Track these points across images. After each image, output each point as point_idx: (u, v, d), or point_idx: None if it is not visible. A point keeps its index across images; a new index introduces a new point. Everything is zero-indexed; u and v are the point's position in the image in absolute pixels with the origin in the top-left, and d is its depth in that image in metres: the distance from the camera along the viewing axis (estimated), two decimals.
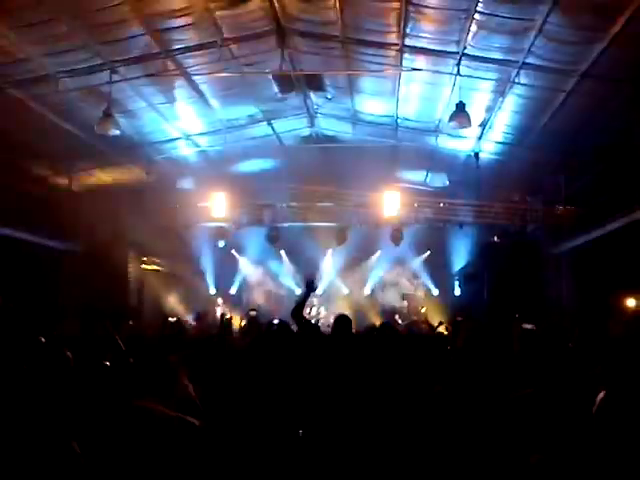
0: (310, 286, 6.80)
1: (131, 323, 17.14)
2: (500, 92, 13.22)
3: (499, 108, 13.95)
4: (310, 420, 4.45)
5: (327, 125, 18.14)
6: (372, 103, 15.73)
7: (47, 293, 16.03)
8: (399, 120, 16.15)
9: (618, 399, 3.03)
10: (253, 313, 16.37)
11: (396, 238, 19.14)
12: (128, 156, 17.20)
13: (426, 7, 10.82)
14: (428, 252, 21.89)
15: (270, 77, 14.56)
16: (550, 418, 3.91)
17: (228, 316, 14.07)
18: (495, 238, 18.75)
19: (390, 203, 18.08)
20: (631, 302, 13.97)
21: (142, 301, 19.92)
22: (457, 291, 21.35)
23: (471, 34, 11.19)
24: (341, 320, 6.60)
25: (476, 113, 13.48)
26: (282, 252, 22.06)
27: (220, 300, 20.77)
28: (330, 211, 19.45)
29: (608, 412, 3.08)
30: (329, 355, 6.20)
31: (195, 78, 13.95)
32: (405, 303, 21.10)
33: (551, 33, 10.51)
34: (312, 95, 16.01)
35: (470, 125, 12.93)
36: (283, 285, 22.87)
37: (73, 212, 17.53)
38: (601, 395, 3.15)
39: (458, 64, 12.22)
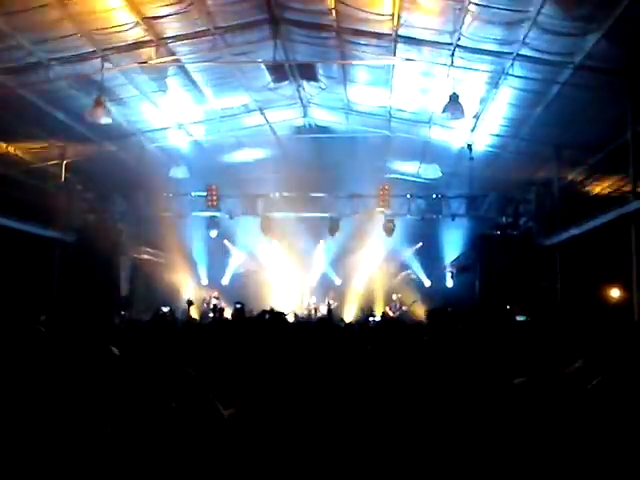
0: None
1: (123, 313, 17.16)
2: (494, 84, 13.19)
3: (493, 100, 13.92)
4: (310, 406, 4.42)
5: (320, 115, 18.10)
6: (365, 93, 15.67)
7: (40, 282, 15.94)
8: (392, 111, 16.11)
9: (611, 385, 3.03)
10: (238, 306, 16.37)
11: (388, 229, 19.17)
12: (120, 145, 17.11)
13: None
14: (420, 243, 21.91)
15: (263, 66, 14.48)
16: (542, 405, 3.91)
17: (220, 306, 14.10)
18: (488, 230, 18.78)
19: (383, 194, 18.13)
20: (622, 293, 14.04)
21: (134, 291, 19.86)
22: (449, 283, 21.37)
23: (465, 25, 11.16)
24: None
25: (470, 105, 13.45)
26: (275, 242, 22.02)
27: (216, 293, 20.73)
28: (323, 201, 19.45)
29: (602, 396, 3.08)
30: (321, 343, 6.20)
31: (188, 67, 13.89)
32: (394, 296, 21.11)
33: (545, 24, 10.49)
34: (305, 85, 15.94)
35: (463, 116, 12.93)
36: (275, 275, 22.84)
37: (65, 201, 17.46)
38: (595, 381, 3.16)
39: (452, 55, 12.19)
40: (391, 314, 19.65)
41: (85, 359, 4.73)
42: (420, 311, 18.56)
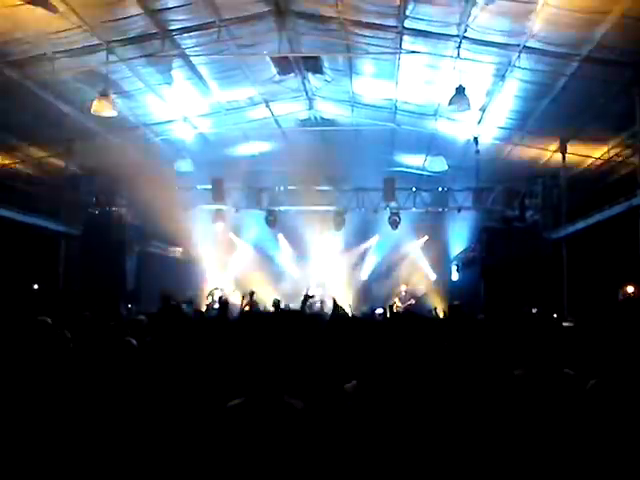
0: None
1: (130, 306, 17.16)
2: (500, 76, 13.12)
3: (499, 92, 13.85)
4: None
5: (326, 108, 18.04)
6: (371, 86, 15.61)
7: (46, 276, 15.97)
8: (398, 103, 16.06)
9: (609, 386, 3.00)
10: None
11: (394, 222, 19.13)
12: (125, 138, 17.10)
13: None
14: (426, 237, 21.89)
15: (268, 59, 14.43)
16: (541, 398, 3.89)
17: (225, 298, 14.04)
18: (494, 223, 18.71)
19: (388, 187, 18.12)
20: (630, 286, 13.96)
21: (140, 284, 19.87)
22: (455, 276, 21.34)
23: (472, 17, 11.08)
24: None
25: (476, 97, 13.38)
26: (280, 235, 22.05)
27: (219, 283, 20.72)
28: (328, 195, 19.41)
29: (599, 397, 3.06)
30: (330, 335, 6.20)
31: (193, 59, 13.84)
32: (403, 287, 21.07)
33: (552, 16, 10.40)
34: (311, 77, 15.88)
35: (470, 109, 12.86)
36: (280, 268, 22.85)
37: (70, 194, 17.47)
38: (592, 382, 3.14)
39: (458, 47, 12.12)
40: (400, 304, 19.63)
41: (104, 351, 4.72)
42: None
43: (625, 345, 3.92)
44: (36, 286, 14.11)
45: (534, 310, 10.71)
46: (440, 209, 19.34)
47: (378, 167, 18.76)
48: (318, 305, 20.14)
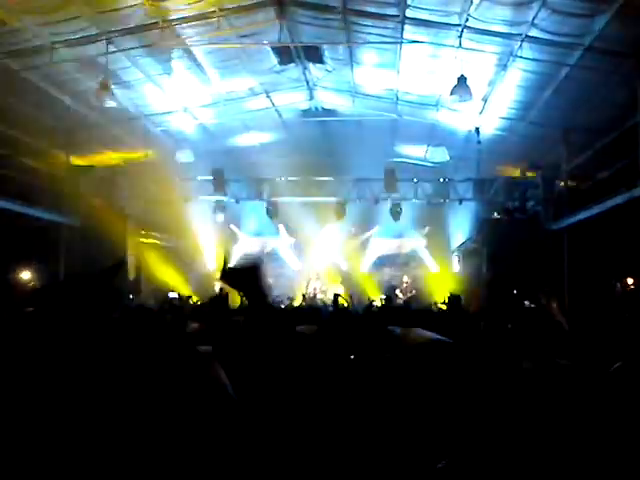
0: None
1: (131, 297, 17.16)
2: (502, 66, 13.05)
3: (501, 82, 13.78)
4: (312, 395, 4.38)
5: (327, 98, 17.95)
6: (372, 76, 15.53)
7: (46, 267, 15.92)
8: (399, 94, 15.98)
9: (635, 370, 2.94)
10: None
11: (396, 213, 19.10)
12: (125, 128, 17.05)
13: None
14: (427, 228, 21.87)
15: (269, 49, 14.35)
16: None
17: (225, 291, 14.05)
18: (495, 214, 18.68)
19: (389, 178, 18.08)
20: (631, 277, 13.95)
21: (141, 275, 19.86)
22: (456, 267, 21.32)
23: (473, 6, 11.00)
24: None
25: (478, 87, 13.31)
26: (280, 226, 22.04)
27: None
28: (329, 185, 19.38)
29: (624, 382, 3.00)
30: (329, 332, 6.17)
31: (193, 49, 13.76)
32: (405, 278, 21.06)
33: (555, 5, 10.34)
34: (311, 67, 15.80)
35: (471, 99, 12.80)
36: (281, 259, 22.86)
37: (71, 185, 17.43)
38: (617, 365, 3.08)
39: (460, 37, 12.04)
40: (401, 296, 19.64)
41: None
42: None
43: (626, 338, 3.89)
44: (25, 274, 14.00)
45: (529, 304, 10.68)
46: (441, 200, 19.30)
47: (379, 157, 18.71)
48: (320, 296, 20.20)
